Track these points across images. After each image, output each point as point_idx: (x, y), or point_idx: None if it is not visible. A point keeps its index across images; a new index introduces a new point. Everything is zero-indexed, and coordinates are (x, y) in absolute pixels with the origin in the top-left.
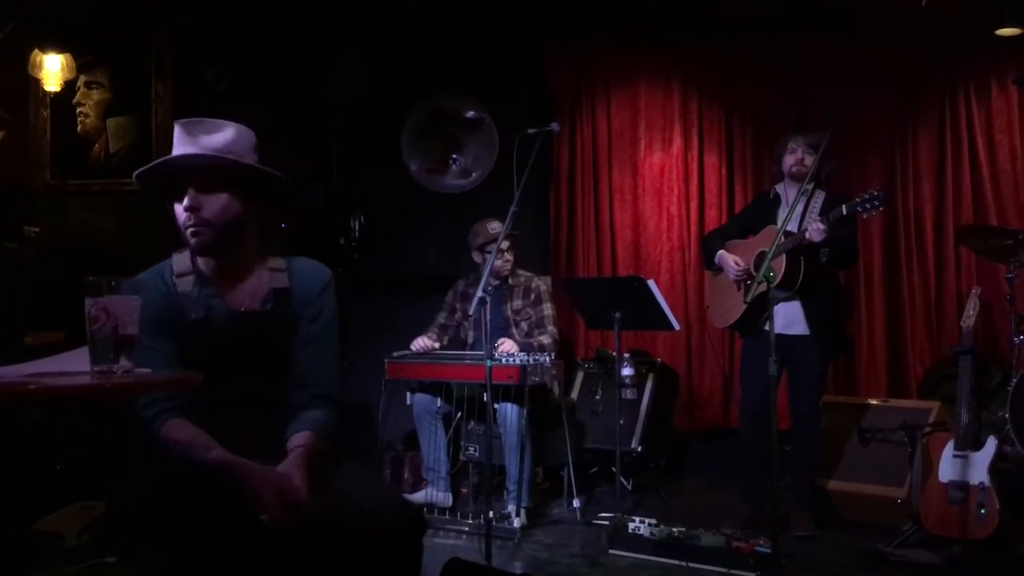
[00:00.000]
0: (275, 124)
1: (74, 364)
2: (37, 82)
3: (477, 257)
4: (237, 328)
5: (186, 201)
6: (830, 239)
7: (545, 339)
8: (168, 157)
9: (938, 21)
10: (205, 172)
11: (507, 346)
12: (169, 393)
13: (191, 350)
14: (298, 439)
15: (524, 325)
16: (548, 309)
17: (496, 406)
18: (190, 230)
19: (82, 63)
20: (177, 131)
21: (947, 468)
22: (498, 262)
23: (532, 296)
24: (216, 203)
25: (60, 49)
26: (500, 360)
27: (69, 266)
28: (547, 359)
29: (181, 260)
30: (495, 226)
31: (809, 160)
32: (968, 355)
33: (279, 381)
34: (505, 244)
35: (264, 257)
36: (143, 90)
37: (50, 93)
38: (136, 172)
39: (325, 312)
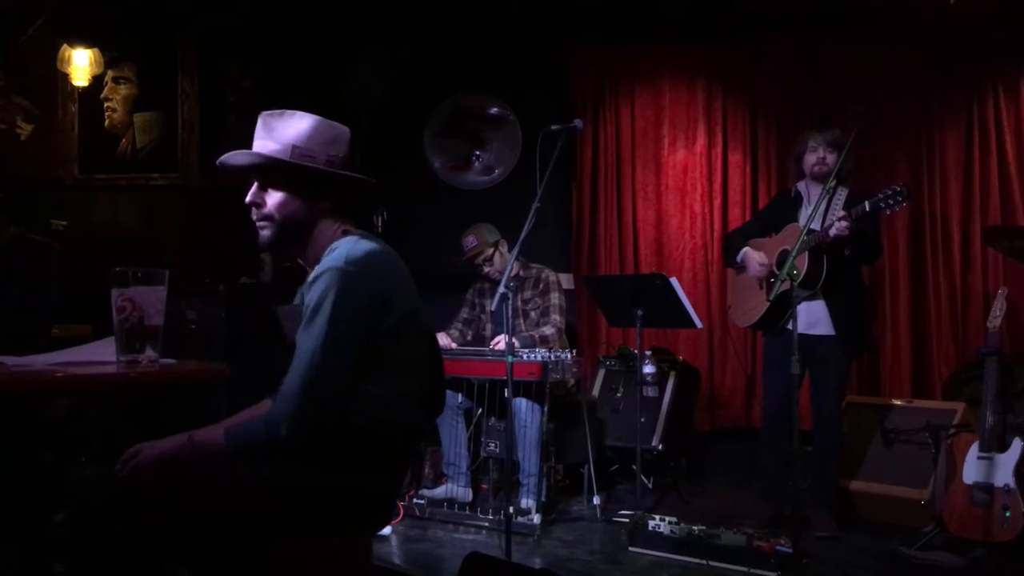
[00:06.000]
0: None
1: (101, 354)
2: (65, 77)
3: None
4: (283, 324)
5: (248, 196)
6: (853, 235)
7: (547, 329)
8: (222, 157)
9: (965, 19)
10: (261, 169)
11: (500, 343)
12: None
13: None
14: (211, 427)
15: (533, 315)
16: (555, 299)
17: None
18: (257, 225)
19: (109, 58)
20: (258, 122)
21: (971, 470)
22: (487, 268)
23: (541, 286)
24: (273, 199)
25: (88, 44)
26: (521, 356)
27: (95, 260)
28: (568, 356)
29: None
30: (470, 240)
31: (830, 158)
32: (994, 356)
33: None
34: (490, 251)
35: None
36: (169, 86)
37: (78, 88)
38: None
39: (310, 309)
